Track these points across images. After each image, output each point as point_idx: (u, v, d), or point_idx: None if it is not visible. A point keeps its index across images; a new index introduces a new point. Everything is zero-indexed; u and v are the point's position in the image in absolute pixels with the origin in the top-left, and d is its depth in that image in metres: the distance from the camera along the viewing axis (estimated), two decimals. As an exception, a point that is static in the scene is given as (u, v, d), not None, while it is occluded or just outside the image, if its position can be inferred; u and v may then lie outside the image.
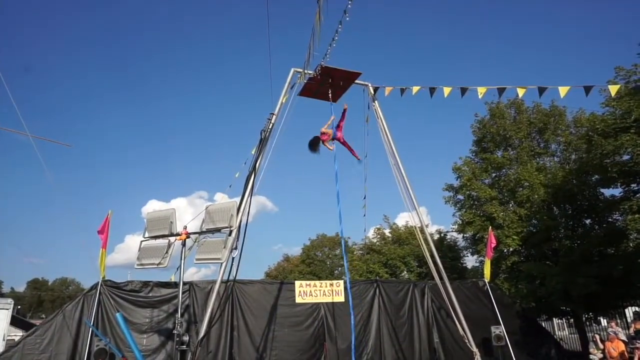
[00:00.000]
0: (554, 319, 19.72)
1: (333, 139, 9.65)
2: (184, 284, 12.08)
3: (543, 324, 17.83)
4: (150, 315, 11.68)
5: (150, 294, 11.93)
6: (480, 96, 10.04)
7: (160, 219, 5.52)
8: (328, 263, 35.69)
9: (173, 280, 12.50)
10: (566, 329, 21.35)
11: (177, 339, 4.66)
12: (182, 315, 11.68)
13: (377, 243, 26.79)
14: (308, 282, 14.09)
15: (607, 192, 15.31)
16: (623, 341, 10.95)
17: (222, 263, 7.80)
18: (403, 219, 36.70)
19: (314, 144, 9.74)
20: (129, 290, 11.79)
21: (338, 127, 9.82)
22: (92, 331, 10.61)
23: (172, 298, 11.70)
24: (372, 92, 11.74)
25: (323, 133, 9.52)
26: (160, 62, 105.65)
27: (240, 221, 8.30)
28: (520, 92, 9.50)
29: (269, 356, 12.18)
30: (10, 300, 16.56)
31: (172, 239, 5.38)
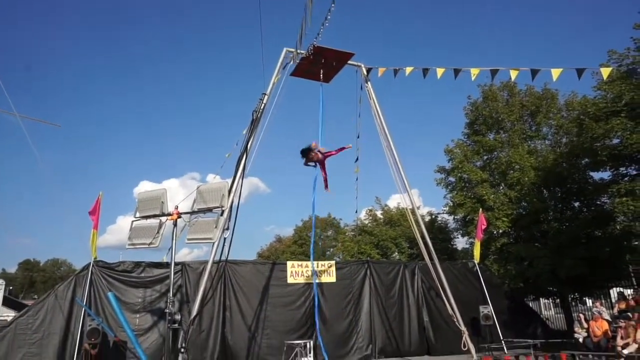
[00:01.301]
0: (541, 299, 20.10)
1: (316, 161, 9.37)
2: (176, 264, 12.18)
3: (530, 304, 18.20)
4: (142, 296, 11.73)
5: (143, 274, 11.97)
6: (473, 78, 10.04)
7: (151, 198, 5.50)
8: (320, 244, 35.94)
9: (165, 260, 12.53)
10: (552, 309, 21.81)
11: (169, 317, 4.69)
12: (174, 295, 11.71)
13: (369, 224, 26.98)
14: (300, 262, 14.20)
15: (596, 175, 15.50)
16: (607, 320, 11.20)
17: (213, 243, 7.83)
18: (395, 201, 37.02)
19: (305, 154, 9.57)
20: (121, 271, 11.82)
21: (327, 155, 9.55)
22: (84, 311, 10.65)
23: (165, 278, 11.75)
24: (365, 72, 11.67)
25: (311, 150, 9.30)
26: (152, 44, 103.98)
27: (232, 202, 8.30)
28: (513, 74, 9.50)
29: (261, 335, 12.34)
30: (1, 281, 16.57)
31: (163, 218, 5.38)
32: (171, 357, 6.52)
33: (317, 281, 13.33)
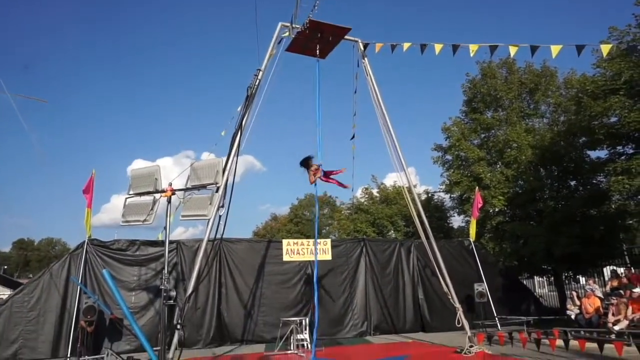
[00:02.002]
0: (535, 277, 20.39)
1: (321, 176, 9.21)
2: (171, 242, 12.31)
3: (524, 281, 18.47)
4: (138, 274, 11.86)
5: (138, 253, 12.07)
6: (472, 54, 9.94)
7: (144, 175, 5.48)
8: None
9: (160, 239, 12.62)
10: (546, 286, 22.15)
11: (165, 294, 4.74)
12: (169, 272, 11.82)
13: (365, 203, 27.11)
14: (295, 240, 14.32)
15: (593, 154, 15.54)
16: (599, 298, 11.41)
17: (208, 220, 7.86)
18: (391, 179, 37.08)
19: (304, 165, 9.42)
20: (116, 249, 11.90)
21: (326, 174, 9.38)
22: (80, 289, 10.75)
23: (160, 256, 11.85)
24: (362, 48, 11.53)
25: (311, 166, 9.15)
26: (143, 18, 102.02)
27: (227, 179, 8.30)
28: (513, 50, 9.41)
29: (257, 313, 12.53)
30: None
31: (157, 195, 5.38)
32: (167, 334, 6.62)
33: (313, 259, 13.46)
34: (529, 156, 16.38)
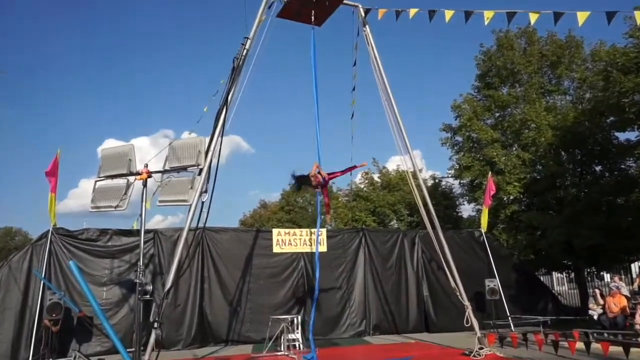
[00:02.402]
0: (553, 272, 20.65)
1: (315, 186, 9.22)
2: (148, 231, 12.29)
3: (541, 278, 18.69)
4: (110, 266, 11.86)
5: (110, 243, 12.07)
6: (486, 22, 9.86)
7: (116, 155, 5.44)
8: (310, 210, 36.19)
9: (135, 228, 12.60)
10: (566, 283, 22.44)
11: (140, 288, 4.74)
12: (146, 266, 11.88)
13: (365, 189, 27.17)
14: (287, 230, 14.36)
15: (622, 136, 15.60)
16: (625, 296, 11.51)
17: (189, 207, 7.83)
18: (394, 163, 37.05)
19: (301, 183, 9.41)
20: (85, 239, 11.88)
21: (331, 177, 9.34)
22: (43, 284, 10.74)
23: (134, 247, 11.84)
24: (363, 14, 11.40)
25: (307, 177, 9.12)
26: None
27: (211, 161, 8.25)
28: (533, 17, 9.35)
29: (244, 310, 12.61)
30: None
31: (131, 178, 5.35)
32: (143, 334, 6.65)
33: (306, 251, 13.54)
34: (548, 138, 16.42)
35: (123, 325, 11.11)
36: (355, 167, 9.81)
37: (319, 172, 8.89)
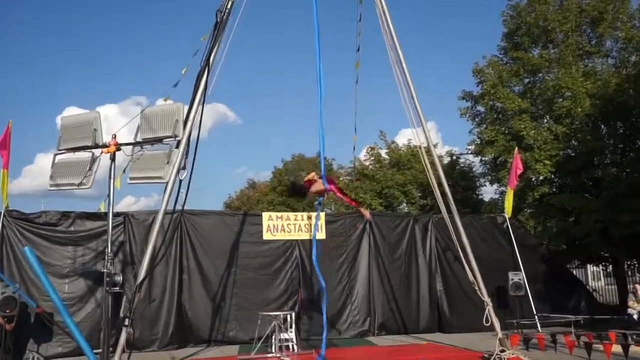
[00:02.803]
0: (588, 265, 20.79)
1: (322, 192, 9.23)
2: (117, 215, 12.30)
3: (574, 271, 18.83)
4: (72, 255, 11.88)
5: (72, 228, 12.07)
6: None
7: (79, 125, 5.38)
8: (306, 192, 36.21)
9: (102, 210, 12.59)
10: (602, 278, 22.62)
11: (108, 278, 4.75)
12: (115, 254, 11.92)
13: (370, 167, 27.14)
14: (280, 214, 14.38)
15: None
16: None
17: (166, 185, 7.82)
18: (404, 137, 36.88)
19: (297, 193, 9.45)
20: (43, 224, 11.87)
21: (330, 182, 9.38)
22: (-6, 275, 10.76)
23: (101, 233, 11.85)
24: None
25: (307, 181, 9.14)
26: None
27: (190, 133, 8.21)
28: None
29: (229, 305, 12.70)
30: None
31: (96, 151, 5.32)
32: (112, 332, 6.68)
33: (302, 238, 13.59)
34: (586, 108, 16.36)
35: (89, 323, 11.15)
36: (359, 205, 9.85)
37: (315, 187, 8.97)
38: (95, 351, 6.39)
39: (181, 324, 12.25)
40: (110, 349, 6.16)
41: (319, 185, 9.08)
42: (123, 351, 7.54)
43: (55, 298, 6.25)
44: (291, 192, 9.36)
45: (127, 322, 6.93)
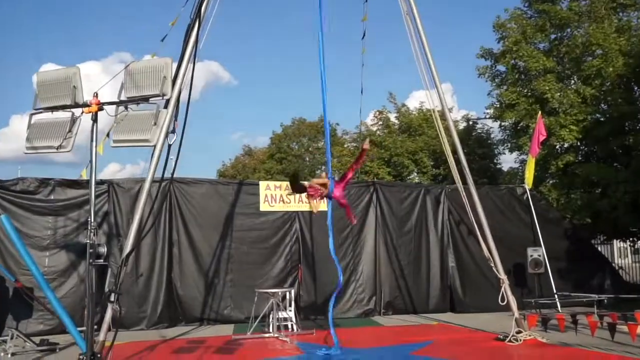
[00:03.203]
0: (614, 241, 20.85)
1: (327, 197, 9.15)
2: (101, 183, 12.35)
3: (599, 247, 18.90)
4: (53, 226, 11.97)
5: (52, 197, 12.12)
6: None
7: (57, 82, 5.35)
8: (307, 159, 36.28)
9: (84, 178, 12.63)
10: (629, 255, 22.68)
11: (91, 250, 4.78)
12: (99, 225, 12.01)
13: (378, 132, 27.14)
14: (278, 183, 14.41)
15: None
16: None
17: (153, 150, 7.83)
18: (416, 100, 36.83)
19: (296, 188, 9.38)
20: (20, 192, 11.91)
21: (343, 180, 9.31)
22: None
23: (84, 202, 11.92)
24: None
25: (311, 187, 9.06)
26: None
27: (180, 93, 8.17)
28: None
29: (223, 282, 12.85)
30: None
31: (76, 111, 5.30)
32: (96, 309, 6.74)
33: (303, 210, 13.65)
34: (618, 68, 16.22)
35: (71, 299, 11.31)
36: (363, 150, 9.77)
37: (322, 185, 8.97)
38: (78, 329, 6.48)
39: (171, 302, 12.42)
40: (95, 327, 6.22)
41: (321, 192, 9.09)
42: (109, 329, 7.61)
43: (35, 270, 6.32)
44: (292, 183, 9.34)
45: (112, 297, 6.99)
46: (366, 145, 9.68)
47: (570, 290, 14.02)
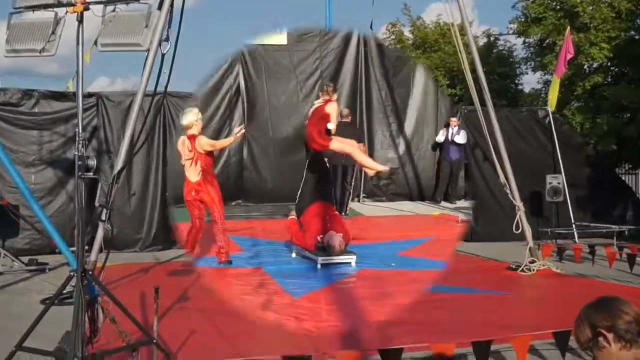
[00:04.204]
0: (640, 170, 20.90)
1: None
2: (90, 95, 12.28)
3: (623, 177, 18.93)
4: (38, 141, 11.99)
5: (37, 110, 12.09)
6: None
7: (39, -23, 5.24)
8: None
9: (71, 90, 12.57)
10: (655, 185, 22.77)
11: (80, 162, 4.77)
12: (88, 140, 12.02)
13: (391, 47, 26.72)
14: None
15: None
16: None
17: (146, 57, 7.70)
18: (433, 13, 36.07)
19: None
20: (2, 103, 11.86)
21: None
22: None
23: (71, 116, 11.91)
24: None
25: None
26: None
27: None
28: None
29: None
30: None
31: (60, 11, 5.18)
32: (86, 228, 6.81)
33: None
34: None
35: (60, 219, 11.39)
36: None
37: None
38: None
39: (166, 223, 12.55)
40: (86, 247, 6.27)
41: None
42: (100, 250, 7.67)
43: (22, 187, 6.37)
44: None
45: (104, 215, 7.01)
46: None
47: (590, 221, 14.14)
